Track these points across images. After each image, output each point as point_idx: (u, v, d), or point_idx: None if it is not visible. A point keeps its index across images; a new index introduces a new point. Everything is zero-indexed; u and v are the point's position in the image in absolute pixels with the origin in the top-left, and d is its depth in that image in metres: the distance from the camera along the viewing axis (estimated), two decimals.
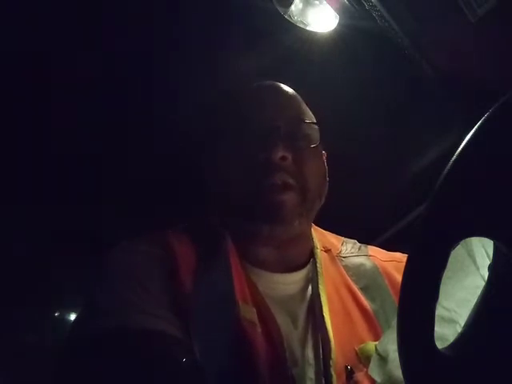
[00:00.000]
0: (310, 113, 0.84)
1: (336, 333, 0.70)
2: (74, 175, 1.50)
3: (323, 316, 0.71)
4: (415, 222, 0.40)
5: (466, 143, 0.40)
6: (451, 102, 1.40)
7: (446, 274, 0.39)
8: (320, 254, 0.81)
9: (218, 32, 1.19)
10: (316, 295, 0.74)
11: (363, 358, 0.66)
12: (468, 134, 0.40)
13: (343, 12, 1.15)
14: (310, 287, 0.77)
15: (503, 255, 0.41)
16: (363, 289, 0.79)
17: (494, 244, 0.43)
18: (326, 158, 0.85)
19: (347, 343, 0.69)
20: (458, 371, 0.40)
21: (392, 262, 0.84)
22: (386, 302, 0.77)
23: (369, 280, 0.80)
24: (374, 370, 0.58)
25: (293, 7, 1.13)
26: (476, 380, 0.40)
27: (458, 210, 0.40)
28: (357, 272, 0.81)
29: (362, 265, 0.83)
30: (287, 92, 0.84)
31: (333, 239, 0.88)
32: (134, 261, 0.71)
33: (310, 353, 0.70)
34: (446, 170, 0.40)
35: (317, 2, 1.14)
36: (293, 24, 1.16)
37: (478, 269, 0.54)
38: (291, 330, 0.71)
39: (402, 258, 0.85)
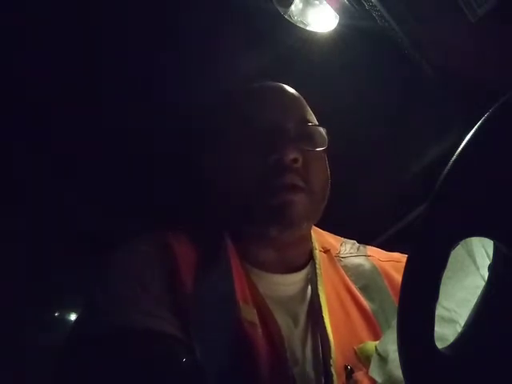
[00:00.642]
0: (312, 114, 0.84)
1: (335, 333, 0.70)
2: (73, 175, 1.50)
3: (323, 316, 0.72)
4: (415, 221, 0.40)
5: (466, 143, 0.40)
6: (451, 102, 1.40)
7: (446, 274, 0.39)
8: (319, 255, 0.81)
9: (218, 32, 1.19)
10: (315, 296, 0.75)
11: (362, 358, 0.66)
12: (468, 134, 0.41)
13: (343, 12, 1.14)
14: (309, 288, 0.77)
15: (503, 255, 0.41)
16: (362, 289, 0.79)
17: (494, 244, 0.43)
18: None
19: (347, 343, 0.69)
20: (458, 371, 0.40)
21: (391, 262, 0.84)
22: (385, 301, 0.77)
23: (368, 280, 0.80)
24: (375, 371, 0.58)
25: (293, 7, 1.13)
26: (476, 380, 0.40)
27: (458, 210, 0.40)
28: (356, 272, 0.81)
29: (360, 265, 0.83)
30: (291, 93, 0.83)
31: (331, 240, 0.88)
32: (134, 261, 0.71)
33: (309, 352, 0.70)
34: (445, 170, 0.40)
35: (317, 2, 1.14)
36: (293, 24, 1.16)
37: (478, 269, 0.54)
38: (292, 331, 0.71)
39: (400, 257, 0.85)
